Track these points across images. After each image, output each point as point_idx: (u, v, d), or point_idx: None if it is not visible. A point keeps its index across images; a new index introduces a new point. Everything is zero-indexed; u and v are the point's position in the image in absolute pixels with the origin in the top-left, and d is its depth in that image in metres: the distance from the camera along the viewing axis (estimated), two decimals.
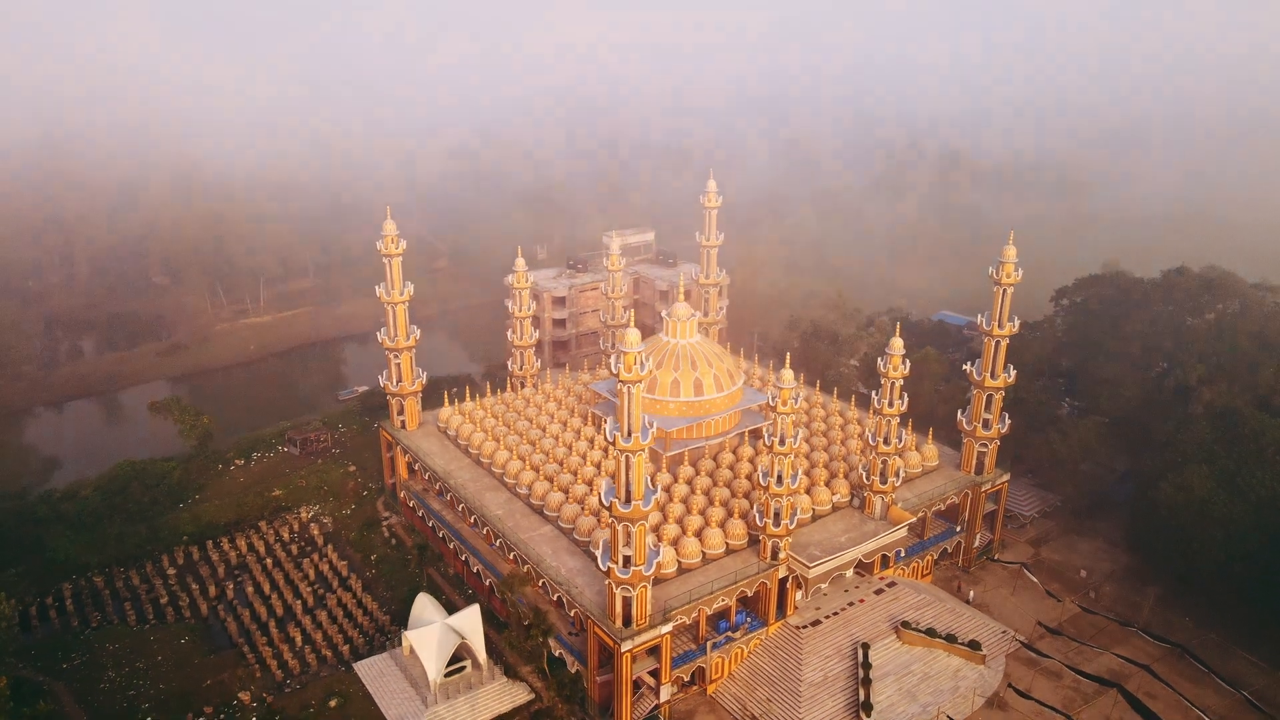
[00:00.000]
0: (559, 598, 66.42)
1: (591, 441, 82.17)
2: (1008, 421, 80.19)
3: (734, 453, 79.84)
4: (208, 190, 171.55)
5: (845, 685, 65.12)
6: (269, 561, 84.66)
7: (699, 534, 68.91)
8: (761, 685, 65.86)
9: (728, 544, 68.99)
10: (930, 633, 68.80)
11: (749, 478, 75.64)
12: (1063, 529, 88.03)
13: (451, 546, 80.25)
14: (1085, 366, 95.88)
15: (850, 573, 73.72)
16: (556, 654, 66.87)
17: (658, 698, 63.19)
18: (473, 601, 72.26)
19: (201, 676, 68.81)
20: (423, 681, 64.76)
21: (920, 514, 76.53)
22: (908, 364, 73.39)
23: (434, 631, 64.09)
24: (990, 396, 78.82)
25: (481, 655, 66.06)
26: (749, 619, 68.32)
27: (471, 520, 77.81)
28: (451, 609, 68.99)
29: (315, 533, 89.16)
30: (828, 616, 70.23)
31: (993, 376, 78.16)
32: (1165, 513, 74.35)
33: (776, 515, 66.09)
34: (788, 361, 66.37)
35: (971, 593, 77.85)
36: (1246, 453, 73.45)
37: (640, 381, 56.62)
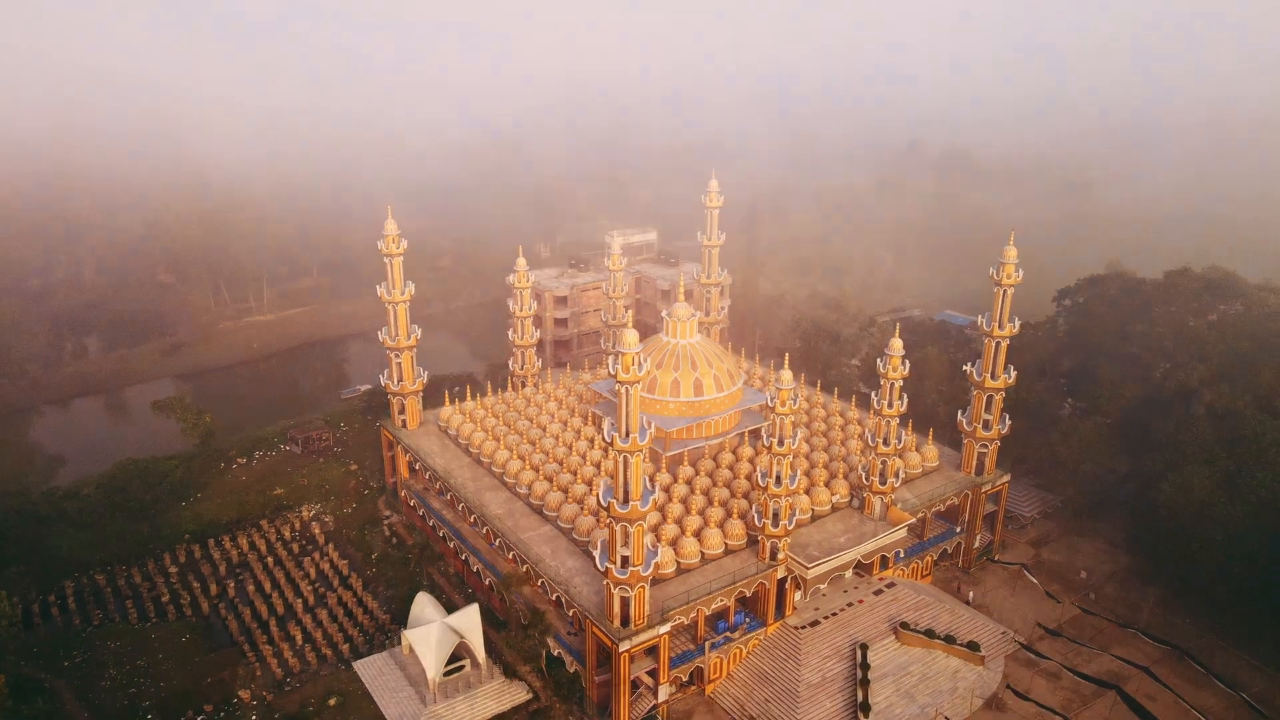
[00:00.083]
0: (557, 597, 66.54)
1: (592, 441, 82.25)
2: (1008, 422, 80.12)
3: (734, 453, 79.86)
4: (211, 189, 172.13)
5: (844, 686, 65.14)
6: (270, 560, 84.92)
7: (698, 534, 68.96)
8: (760, 686, 65.90)
9: (726, 544, 69.04)
10: (929, 634, 68.79)
11: (749, 478, 75.65)
12: (1063, 530, 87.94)
13: (452, 546, 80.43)
14: (1087, 367, 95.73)
15: (849, 573, 73.76)
16: (555, 653, 66.99)
17: (656, 698, 63.28)
18: (473, 601, 72.40)
19: (202, 674, 69.08)
20: (422, 680, 64.95)
21: (920, 515, 76.50)
22: (907, 365, 73.34)
23: (433, 631, 64.24)
24: (990, 397, 78.75)
25: (480, 655, 66.21)
26: (747, 619, 68.36)
27: (471, 519, 77.97)
28: (451, 608, 69.15)
29: (316, 531, 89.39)
30: (827, 617, 70.26)
31: (993, 377, 78.10)
32: (1165, 514, 74.27)
33: (775, 516, 66.14)
34: (786, 362, 66.48)
35: (971, 594, 77.81)
36: (1247, 454, 73.26)
37: (638, 382, 56.72)
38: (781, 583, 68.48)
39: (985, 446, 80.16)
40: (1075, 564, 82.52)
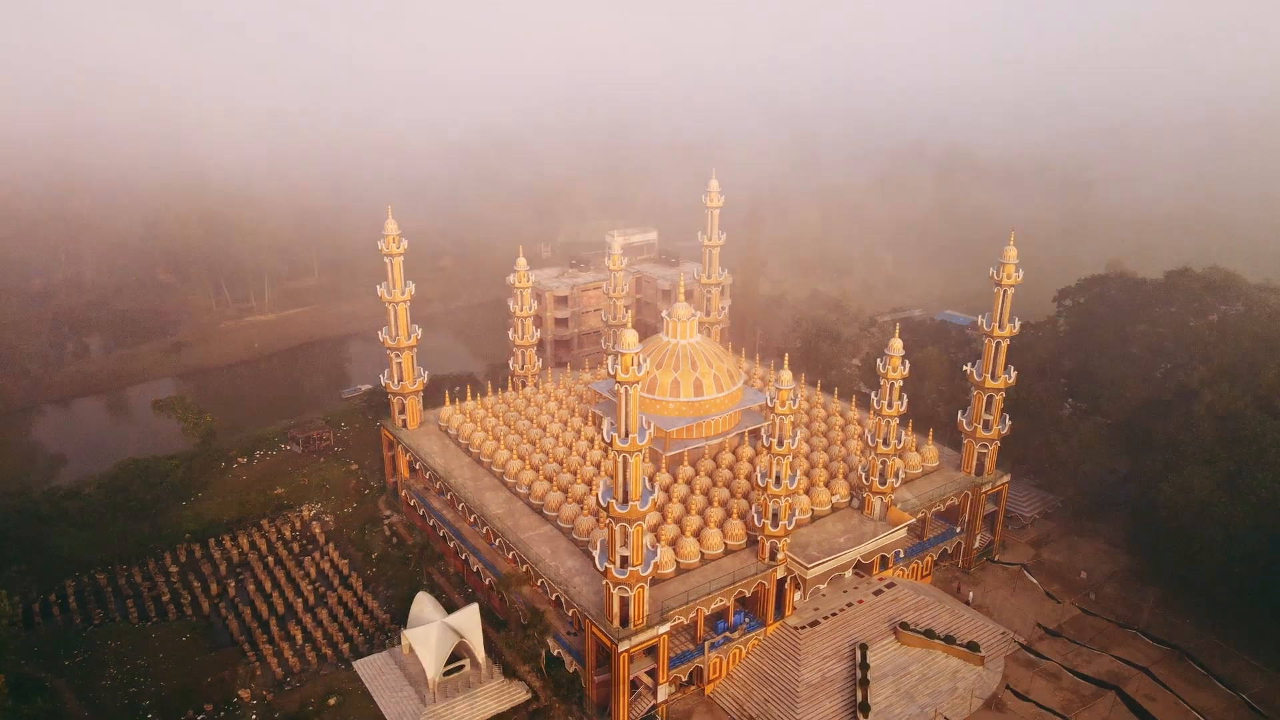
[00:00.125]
0: (557, 597, 66.58)
1: (592, 441, 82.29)
2: (1008, 422, 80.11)
3: (734, 453, 79.88)
4: (213, 188, 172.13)
5: (843, 686, 65.15)
6: (270, 559, 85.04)
7: (698, 534, 68.99)
8: (759, 686, 65.93)
9: (726, 544, 69.07)
10: (929, 634, 68.79)
11: (748, 478, 75.67)
12: (1064, 530, 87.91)
13: (452, 545, 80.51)
14: (1087, 367, 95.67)
15: (849, 574, 73.78)
16: (555, 653, 67.05)
17: (655, 698, 63.32)
18: (473, 600, 72.46)
19: (202, 674, 69.20)
20: (421, 680, 65.02)
21: (920, 515, 76.50)
22: (907, 365, 73.35)
23: (432, 630, 64.31)
24: (990, 397, 78.74)
25: (480, 654, 66.28)
26: (747, 619, 68.39)
27: (471, 519, 78.03)
28: (451, 608, 69.21)
29: (317, 531, 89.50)
30: (826, 617, 70.27)
31: (993, 378, 78.09)
32: (1166, 514, 74.27)
33: (775, 516, 66.16)
34: (786, 362, 66.48)
35: (971, 594, 77.81)
36: (1248, 454, 73.20)
37: (637, 383, 56.73)
38: (781, 583, 68.51)
39: (985, 447, 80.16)
40: (1075, 564, 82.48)
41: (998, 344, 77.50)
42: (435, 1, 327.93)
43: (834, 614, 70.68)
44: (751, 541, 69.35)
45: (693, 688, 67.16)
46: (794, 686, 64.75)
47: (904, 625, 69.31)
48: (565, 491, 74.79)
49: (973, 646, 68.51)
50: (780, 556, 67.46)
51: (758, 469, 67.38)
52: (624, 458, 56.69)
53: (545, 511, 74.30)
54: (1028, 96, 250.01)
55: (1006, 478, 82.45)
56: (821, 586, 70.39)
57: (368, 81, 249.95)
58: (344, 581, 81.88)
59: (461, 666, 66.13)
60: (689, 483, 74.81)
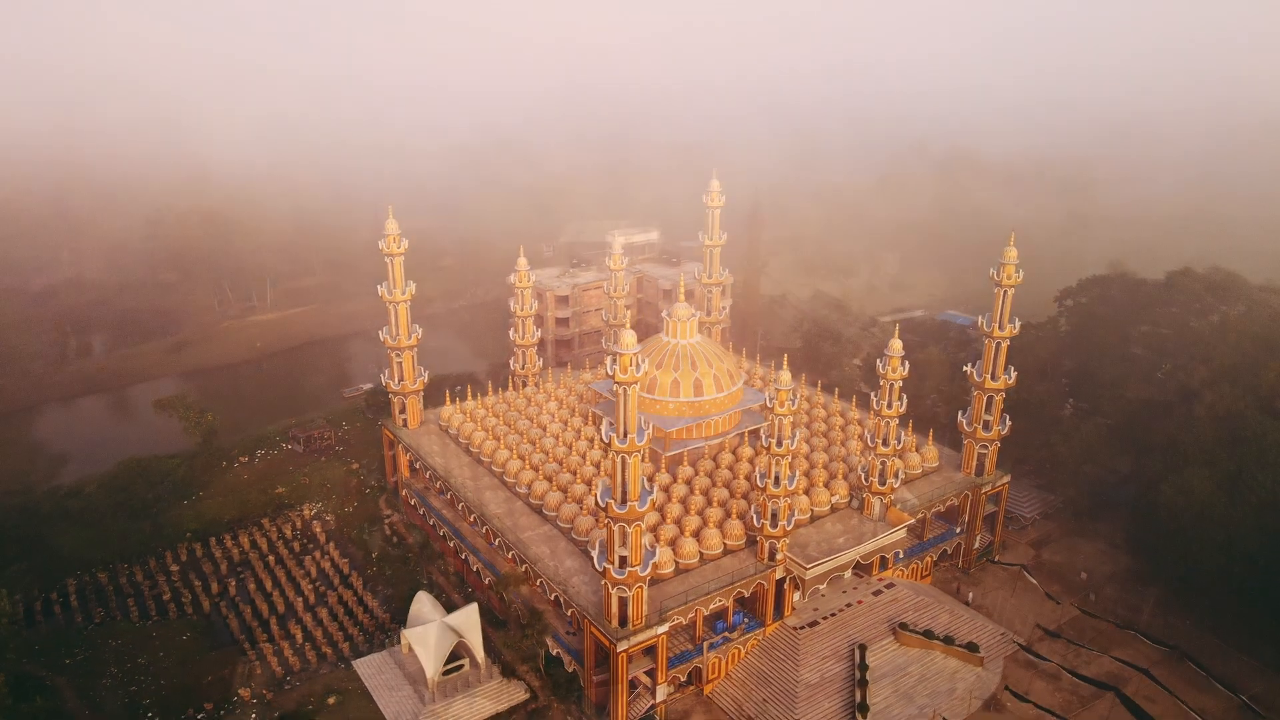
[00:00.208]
0: (556, 597, 66.67)
1: (592, 441, 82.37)
2: (1008, 423, 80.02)
3: (734, 453, 79.92)
4: (214, 188, 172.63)
5: (842, 687, 65.16)
6: (271, 559, 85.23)
7: (697, 534, 69.03)
8: (758, 686, 65.96)
9: (725, 544, 69.10)
10: (928, 634, 68.76)
11: (748, 478, 75.71)
12: (1064, 531, 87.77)
13: (452, 545, 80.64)
14: (1088, 368, 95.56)
15: (849, 574, 73.78)
16: (554, 653, 67.14)
17: (654, 697, 63.37)
18: (473, 600, 72.55)
19: (202, 673, 69.36)
20: (421, 679, 65.15)
21: (919, 515, 76.47)
22: (906, 365, 73.33)
23: (432, 630, 64.44)
24: (991, 398, 78.68)
25: (479, 654, 66.40)
26: (746, 620, 68.43)
27: (471, 519, 78.14)
28: (451, 607, 69.39)
29: (317, 530, 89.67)
30: (825, 618, 70.28)
31: (993, 378, 78.03)
32: (1166, 515, 74.13)
33: (774, 516, 66.18)
34: (785, 363, 66.44)
35: (971, 594, 77.77)
36: (1248, 455, 73.03)
37: (635, 383, 56.73)
38: (780, 583, 68.51)
39: (985, 447, 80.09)
40: (1075, 565, 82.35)
41: (998, 344, 77.44)
42: (436, 2, 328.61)
43: (833, 614, 70.69)
44: (751, 542, 69.38)
45: (691, 688, 67.21)
46: (793, 687, 64.78)
47: (903, 626, 69.30)
48: (565, 491, 74.87)
49: (972, 647, 68.47)
50: (779, 557, 67.49)
51: (757, 469, 67.40)
52: (622, 458, 56.74)
53: (545, 511, 74.39)
54: (1029, 96, 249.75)
55: (1007, 478, 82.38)
56: (821, 587, 70.40)
57: (369, 82, 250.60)
58: (344, 581, 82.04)
59: (461, 666, 66.26)
60: (688, 483, 74.85)
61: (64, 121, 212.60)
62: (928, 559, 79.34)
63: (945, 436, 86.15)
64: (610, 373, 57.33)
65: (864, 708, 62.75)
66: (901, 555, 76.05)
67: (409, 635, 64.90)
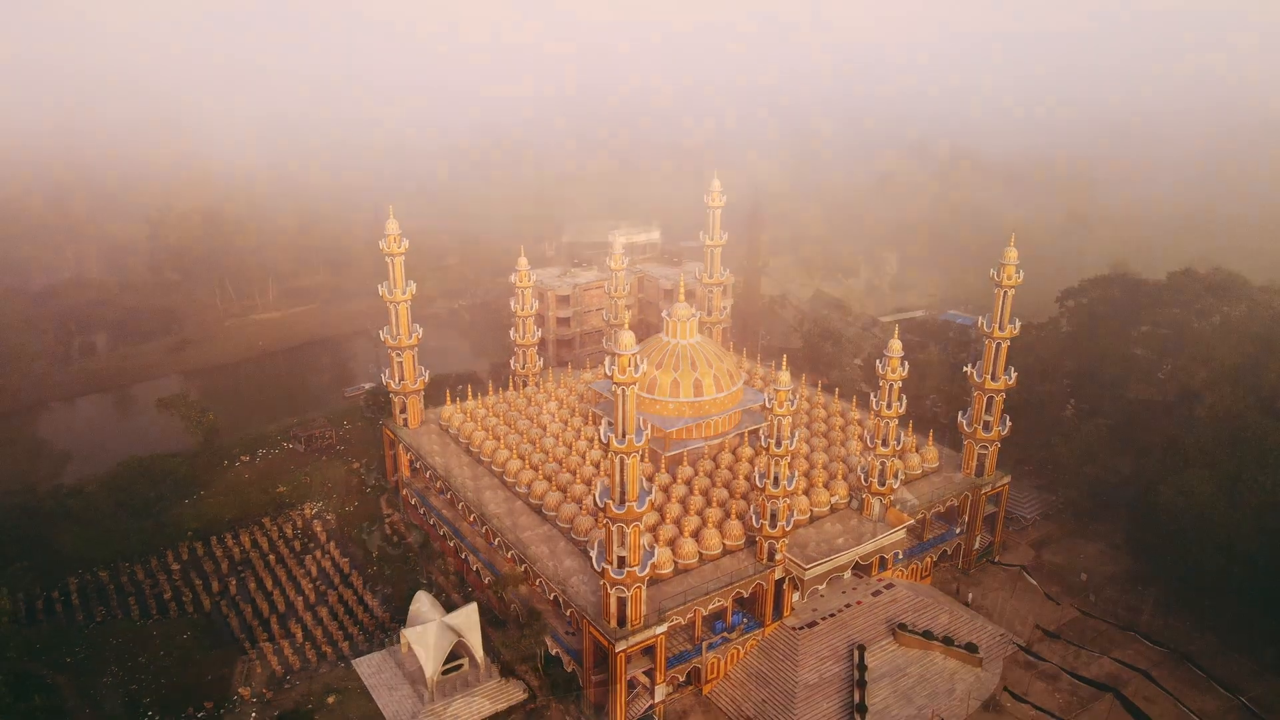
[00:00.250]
0: (555, 597, 66.76)
1: (592, 441, 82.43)
2: (1008, 424, 79.97)
3: (733, 453, 79.96)
4: (216, 187, 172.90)
5: (841, 687, 65.18)
6: (272, 558, 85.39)
7: (696, 535, 69.08)
8: (757, 686, 66.00)
9: (725, 545, 69.13)
10: (927, 635, 68.76)
11: (748, 478, 75.75)
12: (1064, 531, 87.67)
13: (452, 544, 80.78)
14: (1089, 368, 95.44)
15: (848, 574, 73.80)
16: (553, 653, 67.24)
17: (652, 698, 63.44)
18: (473, 599, 72.66)
19: (202, 672, 69.50)
20: (420, 679, 65.27)
21: (919, 516, 76.45)
22: (906, 366, 73.33)
23: (431, 629, 64.56)
24: (991, 398, 78.64)
25: (479, 653, 66.51)
26: (745, 620, 68.47)
27: (471, 519, 78.25)
28: (451, 607, 69.53)
29: (318, 529, 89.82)
30: (824, 618, 70.31)
31: (993, 379, 77.99)
32: (1166, 516, 74.11)
33: (773, 517, 66.20)
34: (784, 363, 66.44)
35: (970, 595, 77.74)
36: (1249, 457, 72.97)
37: (634, 384, 56.76)
38: (779, 583, 68.53)
39: (985, 448, 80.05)
40: (1076, 566, 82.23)
41: (998, 345, 77.40)
42: (438, 2, 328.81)
43: (832, 615, 70.71)
44: (750, 542, 69.41)
45: (690, 688, 67.26)
46: (791, 687, 64.81)
47: (902, 626, 69.30)
48: (564, 491, 74.95)
49: (971, 648, 68.45)
50: (778, 557, 67.52)
51: (756, 469, 67.43)
52: (621, 459, 56.80)
53: (544, 511, 74.47)
54: (1030, 96, 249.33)
55: (1007, 479, 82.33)
56: (820, 587, 70.46)
57: (370, 81, 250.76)
58: (344, 580, 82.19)
59: (460, 665, 66.39)
60: (688, 483, 74.90)
61: (65, 121, 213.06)
62: (927, 559, 79.32)
63: (946, 437, 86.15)
64: (609, 373, 57.37)
65: (863, 708, 62.78)
66: (901, 556, 76.06)
67: (408, 635, 65.02)
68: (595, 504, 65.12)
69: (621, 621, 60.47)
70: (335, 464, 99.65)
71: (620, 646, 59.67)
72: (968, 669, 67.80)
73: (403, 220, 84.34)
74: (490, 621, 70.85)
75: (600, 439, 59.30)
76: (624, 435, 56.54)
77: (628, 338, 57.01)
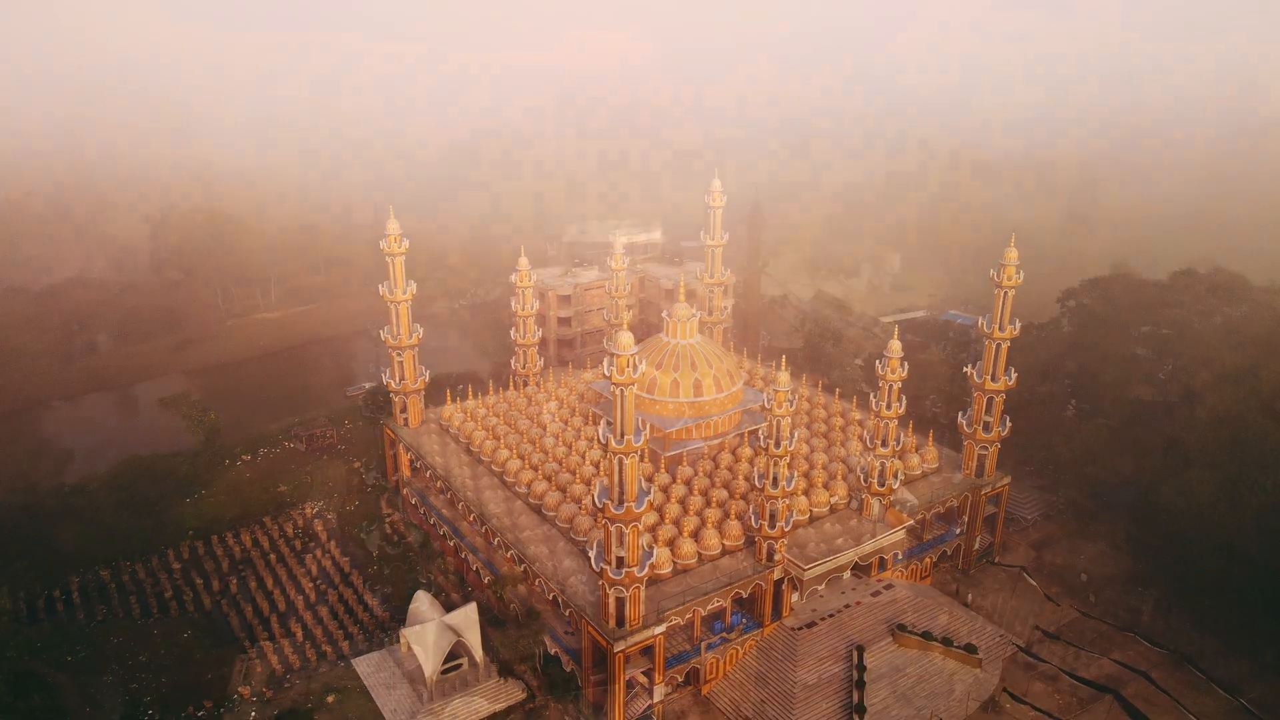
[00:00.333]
0: (554, 597, 66.83)
1: (592, 441, 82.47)
2: (1008, 424, 79.90)
3: (733, 453, 79.98)
4: (218, 187, 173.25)
5: (840, 688, 65.17)
6: (272, 557, 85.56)
7: (695, 535, 69.11)
8: (756, 687, 66.01)
9: (724, 545, 69.15)
10: (926, 636, 68.71)
11: (747, 479, 75.76)
12: (1065, 532, 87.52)
13: (452, 544, 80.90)
14: (1090, 369, 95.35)
15: (847, 575, 73.79)
16: (552, 653, 67.31)
17: (651, 698, 63.51)
18: (472, 599, 72.74)
19: (202, 670, 69.61)
20: (419, 678, 65.37)
21: (919, 516, 76.43)
22: (906, 366, 73.30)
23: (430, 629, 64.65)
24: (991, 399, 78.56)
25: (478, 653, 66.58)
26: (744, 620, 68.49)
27: (471, 518, 78.35)
28: (450, 606, 69.59)
29: (319, 529, 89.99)
30: (824, 618, 70.29)
31: (993, 379, 77.92)
32: (1166, 517, 74.06)
33: (772, 517, 66.21)
34: (783, 363, 66.40)
35: (970, 596, 77.69)
36: (1249, 458, 72.86)
37: (632, 384, 56.79)
38: (778, 584, 68.54)
39: (986, 448, 79.97)
40: (1076, 566, 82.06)
41: (998, 346, 77.33)
42: (439, 1, 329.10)
43: (831, 615, 70.68)
44: (749, 542, 69.43)
45: (689, 688, 67.30)
46: (790, 688, 64.82)
47: (901, 627, 69.27)
48: (564, 491, 75.01)
49: (970, 649, 68.39)
50: (778, 557, 67.53)
51: (756, 470, 67.43)
52: (620, 459, 56.84)
53: (544, 511, 74.53)
54: (1032, 95, 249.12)
55: (1007, 479, 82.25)
56: (819, 588, 70.49)
57: (371, 81, 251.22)
58: (345, 579, 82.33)
59: (459, 665, 66.46)
60: (688, 483, 74.93)
61: (67, 122, 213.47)
62: (927, 560, 79.27)
63: (946, 437, 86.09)
64: (607, 374, 57.41)
65: (861, 709, 62.78)
66: (900, 556, 76.03)
67: (408, 634, 65.12)
68: (594, 504, 65.18)
69: (620, 622, 60.52)
70: (336, 463, 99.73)
71: (619, 647, 59.73)
72: (967, 670, 67.76)
73: (404, 220, 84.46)
74: (490, 621, 70.92)
75: (599, 439, 59.31)
76: (622, 436, 56.57)
77: (626, 338, 57.04)
